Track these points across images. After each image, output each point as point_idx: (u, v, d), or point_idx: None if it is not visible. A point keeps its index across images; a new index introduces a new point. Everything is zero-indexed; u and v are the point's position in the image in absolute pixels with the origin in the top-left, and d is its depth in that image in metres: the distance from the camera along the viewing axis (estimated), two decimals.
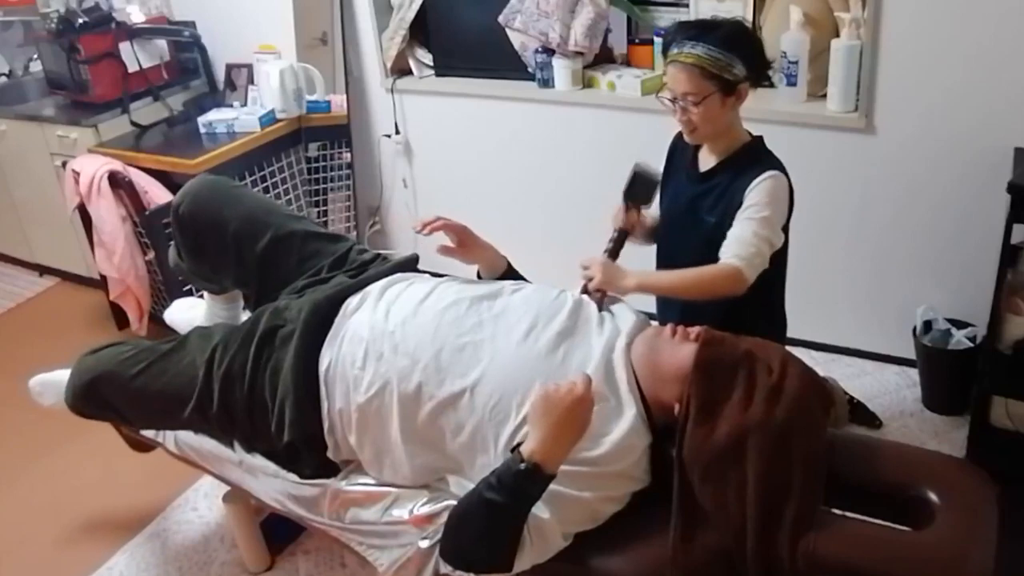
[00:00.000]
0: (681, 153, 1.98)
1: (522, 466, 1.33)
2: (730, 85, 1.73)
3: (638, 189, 1.93)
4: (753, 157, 1.84)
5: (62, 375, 2.03)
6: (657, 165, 2.02)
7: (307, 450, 1.70)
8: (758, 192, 1.76)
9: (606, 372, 1.52)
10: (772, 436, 1.39)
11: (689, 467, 1.44)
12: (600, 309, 1.70)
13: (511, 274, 1.88)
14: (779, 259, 1.88)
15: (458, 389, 1.53)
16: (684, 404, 1.45)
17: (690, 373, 1.46)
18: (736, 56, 1.71)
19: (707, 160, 1.90)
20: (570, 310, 1.63)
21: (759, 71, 1.79)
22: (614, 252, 1.92)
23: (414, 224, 1.75)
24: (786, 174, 1.82)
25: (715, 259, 1.77)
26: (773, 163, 1.83)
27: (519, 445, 1.38)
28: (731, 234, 1.76)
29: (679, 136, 1.95)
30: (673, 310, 1.96)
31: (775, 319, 2.03)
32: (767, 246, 1.75)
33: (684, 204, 1.92)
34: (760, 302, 1.86)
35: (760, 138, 1.89)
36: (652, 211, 2.06)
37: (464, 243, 1.81)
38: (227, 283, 2.05)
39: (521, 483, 1.34)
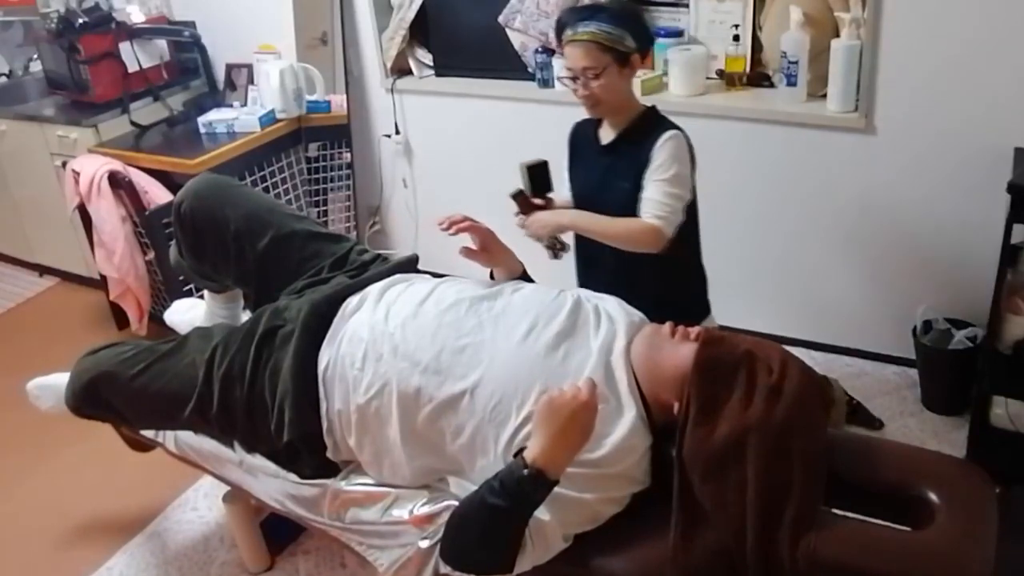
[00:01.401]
0: (582, 138, 2.13)
1: (525, 472, 1.33)
2: (623, 56, 1.90)
3: (537, 179, 2.05)
4: (652, 123, 1.99)
5: (59, 378, 2.03)
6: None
7: (307, 450, 1.70)
8: (662, 152, 1.91)
9: (606, 373, 1.52)
10: (772, 436, 1.39)
11: (689, 467, 1.44)
12: (555, 252, 2.03)
13: (525, 279, 1.88)
14: (691, 212, 2.01)
15: (458, 391, 1.53)
16: (684, 404, 1.45)
17: (690, 373, 1.46)
18: (626, 30, 1.89)
19: (608, 134, 2.05)
20: (569, 310, 1.63)
21: (645, 43, 1.98)
22: (525, 211, 2.04)
23: (439, 220, 1.76)
24: (684, 134, 1.96)
25: None
26: (671, 125, 1.97)
27: (522, 450, 1.37)
28: (645, 197, 1.92)
29: (577, 125, 2.14)
30: (600, 280, 2.03)
31: (694, 272, 2.16)
32: (680, 202, 1.92)
33: (597, 178, 2.05)
34: (677, 256, 1.98)
35: (654, 107, 2.03)
36: (559, 197, 2.16)
37: (487, 247, 1.81)
38: (228, 281, 2.05)
39: (524, 489, 1.34)
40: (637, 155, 1.94)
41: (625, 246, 1.91)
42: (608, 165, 2.02)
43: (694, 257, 2.14)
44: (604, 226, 1.93)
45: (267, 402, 1.68)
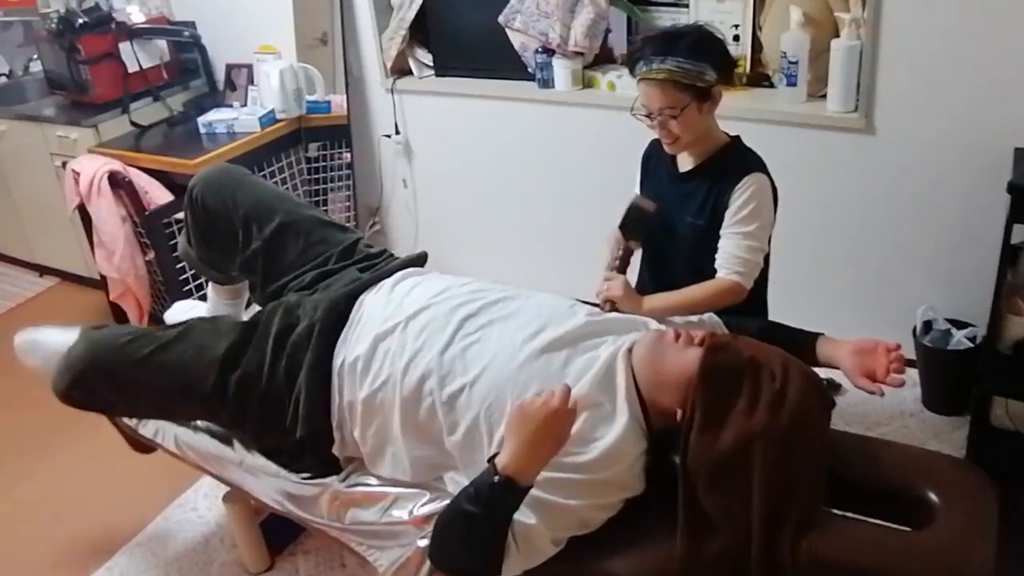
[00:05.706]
0: (658, 157, 1.99)
1: (495, 479, 1.32)
2: (704, 92, 1.75)
3: (630, 223, 1.93)
4: (733, 157, 1.86)
5: (50, 335, 1.90)
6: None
7: (313, 448, 1.71)
8: (744, 200, 1.79)
9: (605, 376, 1.51)
10: (776, 443, 1.38)
11: (694, 474, 1.42)
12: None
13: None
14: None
15: (458, 386, 1.54)
16: (688, 411, 1.43)
17: (695, 379, 1.44)
18: (705, 63, 1.72)
19: (686, 161, 1.91)
20: (580, 321, 1.62)
21: (728, 71, 1.81)
22: (622, 268, 1.94)
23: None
24: (767, 172, 1.84)
25: (701, 258, 1.85)
26: (753, 163, 1.84)
27: (495, 456, 1.37)
28: (725, 249, 1.82)
29: (655, 141, 1.95)
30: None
31: (757, 305, 2.03)
32: (760, 255, 1.83)
33: (668, 205, 1.92)
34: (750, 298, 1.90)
35: (737, 137, 1.91)
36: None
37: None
38: (234, 270, 2.05)
39: (496, 495, 1.33)
40: (714, 193, 1.82)
41: (708, 309, 1.82)
42: (682, 196, 1.89)
43: (760, 291, 1.98)
44: (686, 301, 1.82)
45: (283, 400, 1.69)
